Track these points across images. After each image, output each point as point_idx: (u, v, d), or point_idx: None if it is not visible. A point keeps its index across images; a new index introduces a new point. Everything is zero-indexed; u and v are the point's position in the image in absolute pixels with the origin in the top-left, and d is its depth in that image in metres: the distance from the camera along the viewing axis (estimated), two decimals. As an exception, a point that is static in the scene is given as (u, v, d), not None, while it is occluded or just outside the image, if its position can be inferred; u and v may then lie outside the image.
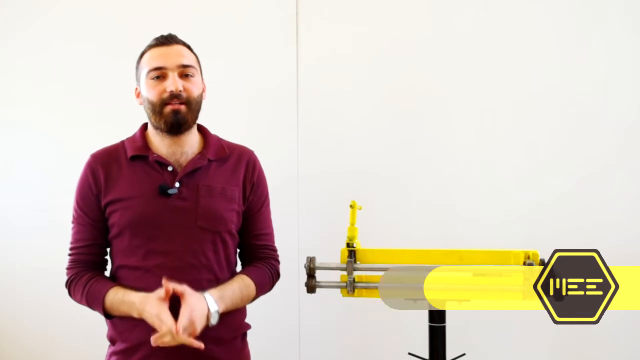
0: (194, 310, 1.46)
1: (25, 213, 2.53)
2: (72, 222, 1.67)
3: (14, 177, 2.55)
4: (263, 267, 1.71)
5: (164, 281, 1.48)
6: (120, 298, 1.55)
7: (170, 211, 1.59)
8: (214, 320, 1.51)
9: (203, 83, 1.68)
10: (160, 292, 1.48)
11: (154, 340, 1.44)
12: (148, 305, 1.48)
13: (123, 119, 2.35)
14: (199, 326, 1.47)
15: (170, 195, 1.59)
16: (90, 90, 2.49)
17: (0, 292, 2.55)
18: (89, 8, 2.50)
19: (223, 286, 1.59)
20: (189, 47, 1.66)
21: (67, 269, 1.66)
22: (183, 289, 1.49)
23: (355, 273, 1.72)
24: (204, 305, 1.50)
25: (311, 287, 1.73)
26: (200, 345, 1.45)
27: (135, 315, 1.52)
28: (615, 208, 2.23)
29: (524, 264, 1.65)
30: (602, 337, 2.24)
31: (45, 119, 2.52)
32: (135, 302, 1.51)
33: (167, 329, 1.42)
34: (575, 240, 2.24)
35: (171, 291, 1.48)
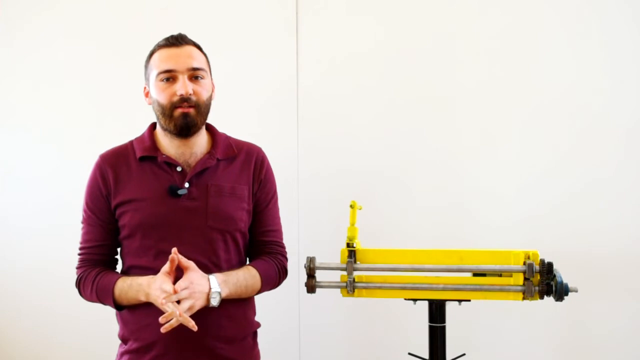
0: (193, 283, 1.47)
1: (25, 214, 2.53)
2: (82, 223, 1.67)
3: (14, 177, 2.55)
4: (270, 261, 1.71)
5: (173, 250, 1.49)
6: (129, 283, 1.56)
7: (181, 212, 1.59)
8: (214, 301, 1.51)
9: (212, 83, 1.68)
10: (165, 267, 1.49)
11: (164, 329, 1.43)
12: (154, 283, 1.49)
13: (124, 119, 2.38)
14: (199, 302, 1.48)
15: (180, 195, 1.59)
16: (91, 90, 2.49)
17: (1, 292, 2.56)
18: (89, 8, 2.50)
19: (227, 272, 1.60)
20: (199, 47, 1.65)
21: (77, 268, 1.67)
22: (188, 263, 1.50)
23: (355, 273, 1.71)
24: (206, 283, 1.50)
25: (311, 287, 1.73)
26: (193, 326, 1.44)
27: (143, 298, 1.53)
28: (618, 212, 2.22)
29: (524, 264, 1.64)
30: (602, 337, 2.24)
31: (45, 120, 2.52)
32: (142, 284, 1.52)
33: (169, 312, 1.42)
34: (579, 244, 2.24)
35: (177, 261, 1.48)
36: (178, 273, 1.52)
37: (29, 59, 2.53)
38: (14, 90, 2.55)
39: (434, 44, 2.34)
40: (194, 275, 1.49)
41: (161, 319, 1.44)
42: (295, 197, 2.38)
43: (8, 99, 2.56)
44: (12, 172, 2.55)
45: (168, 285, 1.45)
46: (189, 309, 1.46)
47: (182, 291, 1.45)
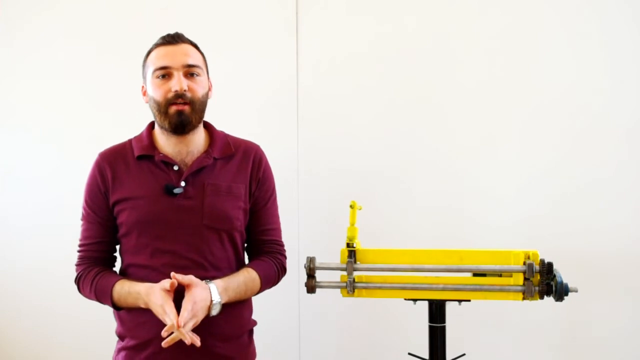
0: (196, 303, 1.47)
1: (25, 214, 2.53)
2: (81, 220, 1.69)
3: (14, 177, 2.55)
4: (269, 261, 1.71)
5: (172, 275, 1.49)
6: (127, 290, 1.57)
7: (176, 210, 1.60)
8: (214, 311, 1.52)
9: (209, 82, 1.69)
10: (165, 284, 1.48)
11: (165, 343, 1.44)
12: (153, 295, 1.49)
13: (124, 119, 2.37)
14: (201, 318, 1.48)
15: (175, 194, 1.60)
16: (91, 90, 2.49)
17: (1, 292, 2.56)
18: (89, 8, 2.50)
19: (229, 278, 1.60)
20: (195, 46, 1.66)
21: (76, 265, 1.68)
22: (189, 279, 1.50)
23: (355, 273, 1.71)
24: (207, 296, 1.50)
25: (311, 287, 1.72)
26: (197, 342, 1.45)
27: (142, 305, 1.53)
28: (618, 212, 2.22)
29: (524, 264, 1.64)
30: (602, 337, 2.24)
31: (45, 120, 2.52)
32: (141, 292, 1.53)
33: (170, 324, 1.43)
34: (579, 243, 2.24)
35: (176, 285, 1.48)
36: (178, 272, 1.52)
37: (29, 59, 2.54)
38: (14, 90, 2.55)
39: (433, 44, 2.34)
40: (196, 292, 1.49)
41: (163, 333, 1.43)
42: (295, 197, 2.38)
43: (8, 99, 2.56)
44: (12, 172, 2.55)
45: (170, 309, 1.44)
46: (193, 325, 1.47)
47: (186, 316, 1.44)
